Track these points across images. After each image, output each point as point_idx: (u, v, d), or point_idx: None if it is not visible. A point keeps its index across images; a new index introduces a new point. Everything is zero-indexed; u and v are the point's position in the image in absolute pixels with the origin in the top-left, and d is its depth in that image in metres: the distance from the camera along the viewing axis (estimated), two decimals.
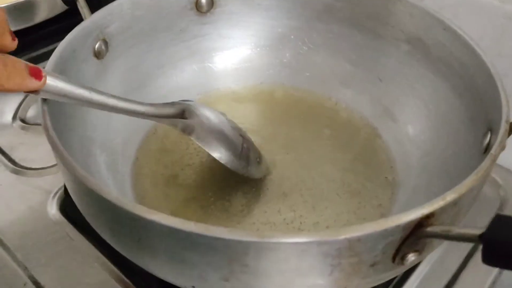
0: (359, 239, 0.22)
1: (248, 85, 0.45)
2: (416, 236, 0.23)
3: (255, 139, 0.39)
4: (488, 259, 0.21)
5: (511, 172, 0.44)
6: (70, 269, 0.35)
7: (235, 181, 0.37)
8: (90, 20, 0.35)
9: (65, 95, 0.28)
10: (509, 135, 0.29)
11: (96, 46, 0.36)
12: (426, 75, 0.39)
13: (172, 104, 0.35)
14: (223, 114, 0.38)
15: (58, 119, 0.30)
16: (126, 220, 0.23)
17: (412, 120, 0.39)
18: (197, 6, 0.42)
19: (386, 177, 0.37)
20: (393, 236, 0.23)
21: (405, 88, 0.40)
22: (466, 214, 0.28)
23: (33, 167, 0.43)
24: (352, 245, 0.22)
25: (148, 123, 0.40)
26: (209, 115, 0.36)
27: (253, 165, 0.36)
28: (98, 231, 0.28)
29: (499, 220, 0.21)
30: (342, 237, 0.22)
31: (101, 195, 0.23)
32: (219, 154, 0.34)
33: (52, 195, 0.40)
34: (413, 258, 0.24)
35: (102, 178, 0.34)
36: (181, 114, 0.34)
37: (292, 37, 0.45)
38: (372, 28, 0.42)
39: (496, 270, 0.36)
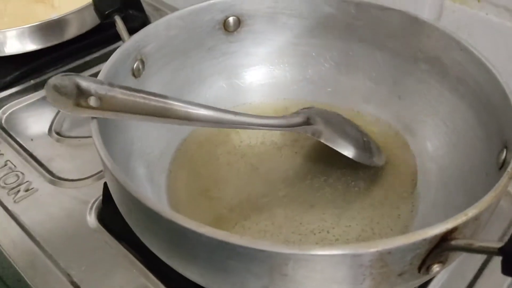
0: (389, 252, 0.24)
1: (273, 100, 0.47)
2: (440, 248, 0.25)
3: (285, 151, 0.42)
4: (507, 270, 0.23)
5: None
6: (110, 276, 0.37)
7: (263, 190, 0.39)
8: (130, 42, 0.38)
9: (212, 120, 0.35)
10: None
11: (135, 66, 0.39)
12: (443, 94, 0.41)
13: (298, 113, 0.40)
14: (339, 114, 0.43)
15: (104, 134, 0.33)
16: (175, 232, 0.26)
17: (430, 136, 0.41)
18: (225, 26, 0.45)
19: (406, 190, 0.39)
20: (420, 248, 0.25)
21: (424, 106, 0.42)
22: (485, 227, 0.30)
23: (70, 178, 0.45)
24: (383, 257, 0.25)
25: (181, 135, 0.43)
26: (330, 117, 0.41)
27: (375, 155, 0.40)
28: (147, 243, 0.30)
29: None
30: (374, 249, 0.24)
31: (155, 211, 0.26)
32: (347, 151, 0.39)
33: (90, 205, 0.43)
34: (437, 269, 0.26)
35: (144, 191, 0.36)
36: (307, 121, 0.39)
37: (314, 54, 0.47)
38: (391, 47, 0.44)
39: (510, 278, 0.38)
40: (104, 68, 0.35)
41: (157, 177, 0.40)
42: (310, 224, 0.37)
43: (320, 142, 0.39)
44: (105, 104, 0.32)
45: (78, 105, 0.31)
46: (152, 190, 0.38)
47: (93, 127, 0.31)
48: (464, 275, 0.38)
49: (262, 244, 0.24)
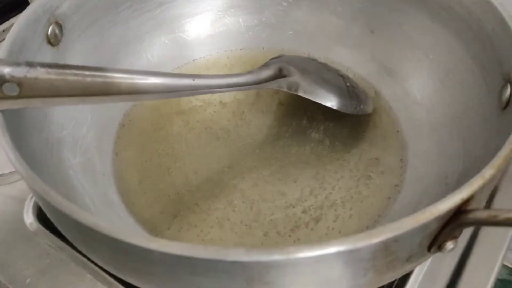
0: (395, 239, 0.19)
1: (227, 52, 0.41)
2: (456, 224, 0.20)
3: (247, 111, 0.36)
4: None
5: None
6: (61, 285, 0.32)
7: (231, 162, 0.33)
8: (38, 3, 0.30)
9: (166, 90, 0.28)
10: None
11: (49, 31, 0.31)
12: (423, 22, 0.35)
13: (267, 66, 0.34)
14: (314, 59, 0.38)
15: (18, 126, 0.26)
16: (119, 250, 0.20)
17: (413, 74, 0.36)
18: None
19: (392, 141, 0.34)
20: (430, 228, 0.20)
21: (401, 39, 0.37)
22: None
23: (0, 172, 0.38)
24: (388, 246, 0.19)
25: (120, 110, 0.36)
26: (305, 65, 0.35)
27: (362, 101, 0.35)
28: (91, 258, 0.24)
29: None
30: (377, 240, 0.19)
31: (87, 225, 0.19)
32: (330, 102, 0.33)
33: (26, 203, 0.36)
34: (451, 246, 0.21)
35: (79, 185, 0.30)
36: (279, 73, 0.34)
37: None
38: None
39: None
40: (7, 41, 0.27)
41: (100, 164, 0.33)
42: (286, 200, 0.31)
43: (290, 93, 0.33)
44: (26, 90, 0.25)
45: None
46: (94, 181, 0.31)
47: None
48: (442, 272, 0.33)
49: (235, 254, 0.18)
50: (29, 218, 0.35)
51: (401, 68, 0.37)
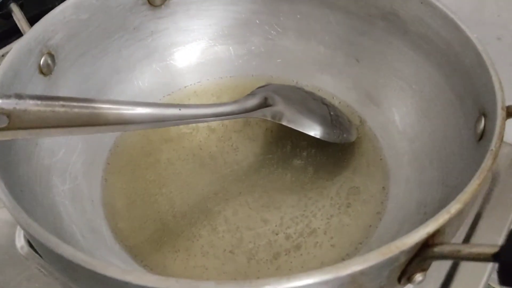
0: (362, 273, 0.20)
1: (217, 79, 0.42)
2: (422, 257, 0.21)
3: (235, 138, 0.37)
4: (506, 281, 0.19)
5: (503, 143, 0.42)
6: None
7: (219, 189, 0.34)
8: (30, 35, 0.31)
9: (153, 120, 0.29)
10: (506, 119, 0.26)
11: (41, 62, 0.32)
12: (406, 53, 0.36)
13: (253, 95, 0.35)
14: (300, 88, 0.39)
15: (7, 153, 0.27)
16: (97, 282, 0.20)
17: (396, 103, 0.37)
18: (150, 0, 0.38)
19: (375, 169, 0.35)
20: (397, 261, 0.21)
21: (385, 68, 0.38)
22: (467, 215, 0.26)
23: None
24: (356, 278, 0.20)
25: (110, 137, 0.37)
26: (290, 94, 0.36)
27: (346, 130, 0.36)
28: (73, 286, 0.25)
29: None
30: (344, 273, 0.19)
31: (63, 256, 0.20)
32: (313, 131, 0.34)
33: (18, 226, 0.37)
34: (420, 278, 0.22)
35: (66, 212, 0.30)
36: (264, 102, 0.34)
37: (258, 22, 0.41)
38: (343, 6, 0.38)
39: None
40: (0, 70, 0.29)
41: (89, 190, 0.34)
42: (269, 227, 0.32)
43: (276, 123, 0.34)
44: (15, 121, 0.25)
45: None
46: (81, 211, 0.32)
47: None
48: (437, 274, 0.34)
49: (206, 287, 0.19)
50: (20, 242, 0.36)
51: (385, 97, 0.38)
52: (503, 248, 0.19)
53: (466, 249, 0.20)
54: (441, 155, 0.32)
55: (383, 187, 0.34)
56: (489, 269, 0.34)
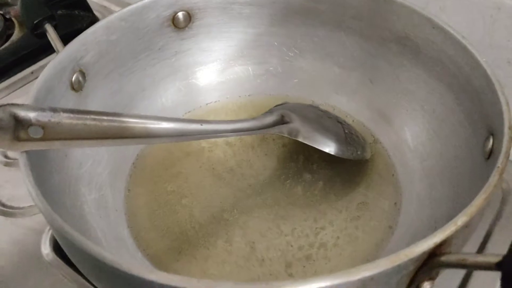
0: (372, 278, 0.21)
1: (236, 98, 0.44)
2: (429, 266, 0.22)
3: (252, 154, 0.38)
4: None
5: (511, 161, 0.43)
6: None
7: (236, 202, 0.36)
8: (64, 54, 0.34)
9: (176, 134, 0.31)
10: None
11: (73, 79, 0.34)
12: (419, 76, 0.37)
13: (271, 112, 0.37)
14: (315, 106, 0.41)
15: (41, 165, 0.29)
16: (122, 280, 0.22)
17: (408, 123, 0.38)
18: (174, 22, 0.41)
19: (387, 186, 0.36)
20: (406, 269, 0.22)
21: (398, 89, 0.39)
22: (476, 229, 0.27)
23: (21, 206, 0.41)
24: (365, 284, 0.21)
25: (134, 150, 0.39)
26: (306, 112, 0.38)
27: (360, 148, 0.37)
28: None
29: None
30: (355, 278, 0.21)
31: (92, 254, 0.22)
32: (328, 147, 0.36)
33: (44, 234, 0.39)
34: (428, 287, 0.23)
35: (93, 220, 0.32)
36: (281, 120, 0.36)
37: (276, 44, 0.43)
38: (357, 29, 0.40)
39: None
40: (34, 88, 0.31)
41: (113, 200, 0.35)
42: (283, 239, 0.33)
43: (291, 138, 0.36)
44: (49, 133, 0.28)
45: (17, 138, 0.27)
46: (106, 219, 0.34)
47: (22, 161, 0.26)
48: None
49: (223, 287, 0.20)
50: (46, 249, 0.38)
51: (398, 116, 0.39)
52: (506, 257, 0.20)
53: (471, 258, 0.21)
54: (451, 174, 0.33)
55: (395, 203, 0.35)
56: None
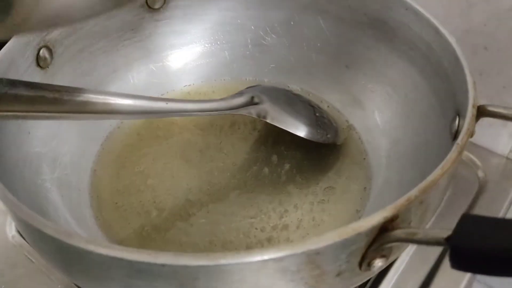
0: (317, 252, 0.20)
1: (211, 82, 0.43)
2: (380, 241, 0.21)
3: (222, 137, 0.38)
4: (456, 263, 0.19)
5: (490, 152, 0.42)
6: None
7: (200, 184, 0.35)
8: None
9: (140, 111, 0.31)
10: (477, 119, 0.27)
11: (39, 55, 0.34)
12: (393, 60, 0.37)
13: (241, 93, 0.37)
14: (288, 90, 0.40)
15: None
16: (64, 251, 0.21)
17: (381, 108, 0.37)
18: (149, 3, 0.40)
19: (358, 171, 0.35)
20: (355, 244, 0.21)
21: (373, 74, 0.38)
22: (438, 208, 0.26)
23: None
24: (312, 258, 0.21)
25: (103, 131, 0.38)
26: (277, 95, 0.38)
27: (331, 132, 0.37)
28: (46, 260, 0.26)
29: (466, 221, 0.19)
30: (299, 251, 0.20)
31: (34, 226, 0.21)
32: (297, 129, 0.35)
33: (9, 216, 0.38)
34: (380, 264, 0.22)
35: (54, 199, 0.31)
36: (251, 101, 0.36)
37: (253, 27, 0.43)
38: (334, 13, 0.39)
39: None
40: None
41: (77, 179, 0.35)
42: (246, 221, 0.32)
43: (264, 121, 0.35)
44: (5, 104, 0.27)
45: None
46: (69, 196, 0.33)
47: None
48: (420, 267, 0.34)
49: (163, 258, 0.20)
50: (12, 230, 0.37)
51: (372, 101, 0.38)
52: (455, 231, 0.19)
53: (420, 233, 0.20)
54: (420, 157, 0.32)
55: (364, 188, 0.34)
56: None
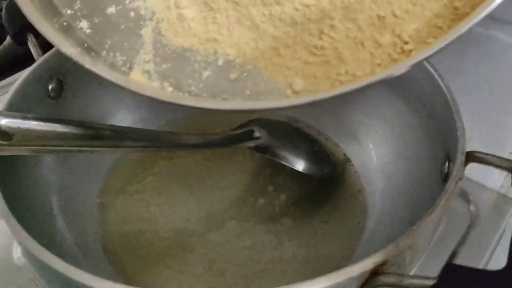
0: None
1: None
2: (370, 284, 0.23)
3: (224, 167, 0.40)
4: None
5: (482, 186, 0.44)
6: None
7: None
8: (41, 62, 0.34)
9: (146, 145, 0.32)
10: (466, 164, 0.28)
11: (50, 87, 0.35)
12: (388, 97, 0.38)
13: (241, 127, 0.37)
14: (288, 123, 0.41)
15: (7, 168, 0.30)
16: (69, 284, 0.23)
17: (376, 143, 0.39)
18: None
19: (353, 205, 0.37)
20: (347, 287, 0.22)
21: (370, 110, 0.40)
22: (428, 247, 0.27)
23: None
24: None
25: (107, 160, 0.40)
26: (277, 129, 0.39)
27: (329, 166, 0.38)
28: None
29: (450, 270, 0.21)
30: None
31: (47, 264, 0.23)
32: (296, 164, 0.37)
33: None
34: None
35: (59, 227, 0.33)
36: (251, 135, 0.37)
37: None
38: None
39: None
40: (9, 93, 0.32)
41: (83, 206, 0.36)
42: (245, 252, 0.34)
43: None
44: (18, 139, 0.28)
45: None
46: (73, 223, 0.34)
47: None
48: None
49: None
50: (17, 253, 0.38)
51: (368, 137, 0.40)
52: (439, 281, 0.21)
53: (408, 280, 0.22)
54: (412, 195, 0.34)
55: (358, 222, 0.36)
56: None
